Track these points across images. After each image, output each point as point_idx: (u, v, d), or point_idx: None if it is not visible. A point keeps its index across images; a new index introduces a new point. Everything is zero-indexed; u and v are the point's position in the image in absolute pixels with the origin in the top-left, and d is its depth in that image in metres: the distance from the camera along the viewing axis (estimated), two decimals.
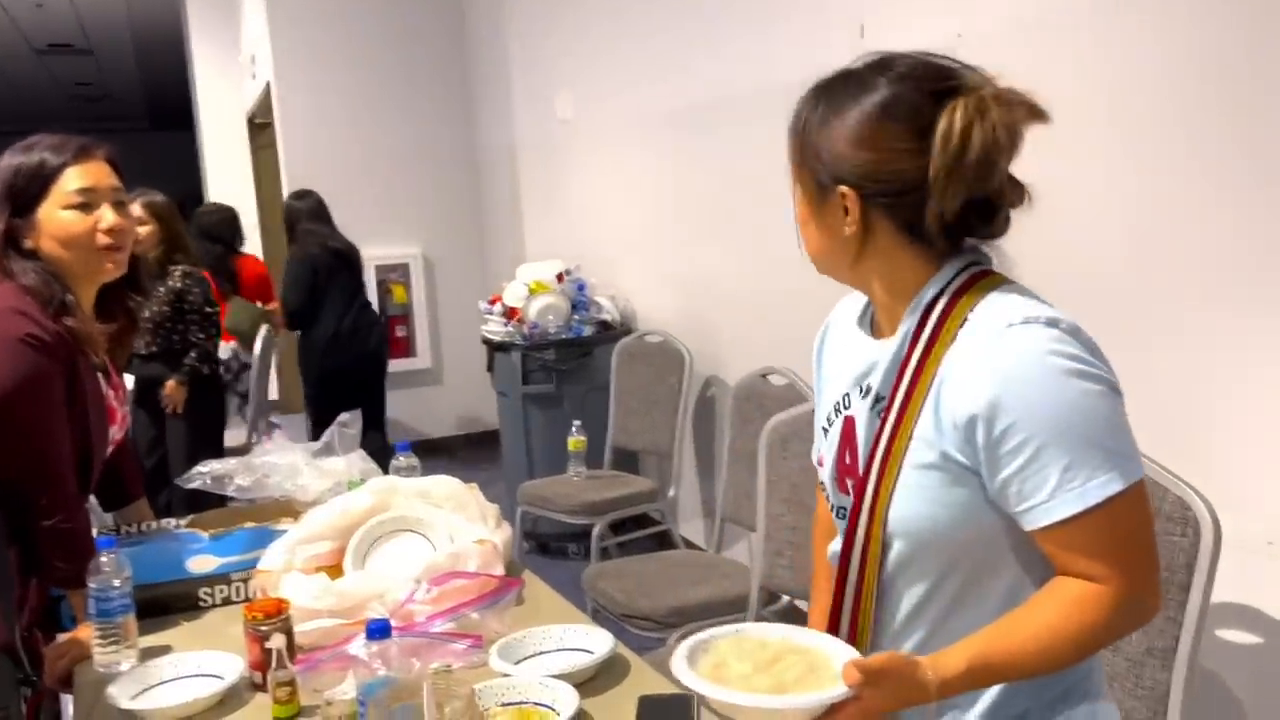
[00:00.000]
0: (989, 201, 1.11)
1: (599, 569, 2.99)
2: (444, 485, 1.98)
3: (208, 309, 4.09)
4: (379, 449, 3.43)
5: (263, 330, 4.89)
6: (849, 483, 1.21)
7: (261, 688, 1.53)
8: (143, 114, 13.46)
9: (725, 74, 3.57)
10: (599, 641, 1.59)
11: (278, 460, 2.06)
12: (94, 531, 1.85)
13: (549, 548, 4.32)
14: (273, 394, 6.34)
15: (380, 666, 1.34)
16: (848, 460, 1.22)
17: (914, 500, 1.12)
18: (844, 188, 1.11)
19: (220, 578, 1.87)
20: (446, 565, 1.75)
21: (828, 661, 1.09)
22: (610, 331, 4.40)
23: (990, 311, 1.08)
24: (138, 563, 1.68)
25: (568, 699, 1.41)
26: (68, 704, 1.79)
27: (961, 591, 1.14)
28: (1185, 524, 1.63)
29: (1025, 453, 1.03)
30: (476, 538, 1.85)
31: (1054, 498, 1.03)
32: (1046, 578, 1.10)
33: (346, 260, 4.89)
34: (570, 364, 4.31)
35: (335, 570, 1.83)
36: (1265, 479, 1.88)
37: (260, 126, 7.17)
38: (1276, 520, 1.87)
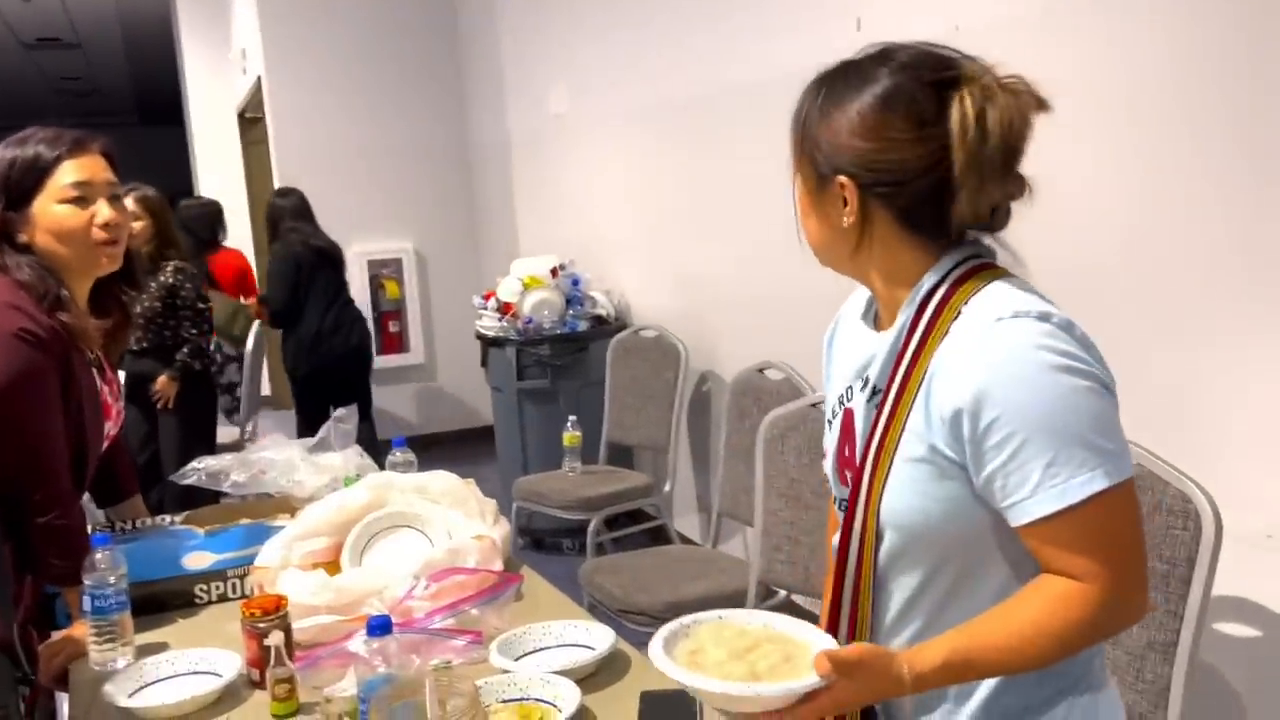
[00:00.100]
0: None
1: (595, 564, 2.99)
2: (441, 481, 1.97)
3: (200, 304, 4.07)
4: (367, 444, 3.44)
5: (255, 327, 4.87)
6: (848, 475, 1.21)
7: (260, 685, 1.52)
8: (131, 109, 13.39)
9: (720, 67, 3.56)
10: (600, 637, 1.59)
11: (274, 456, 2.05)
12: (88, 528, 1.84)
13: (543, 543, 4.31)
14: (264, 389, 6.32)
15: (380, 663, 1.33)
16: (847, 453, 1.22)
17: (905, 493, 1.11)
18: (843, 178, 1.11)
19: (216, 574, 1.86)
20: (445, 561, 1.74)
21: (805, 651, 1.09)
22: (605, 326, 4.39)
23: (983, 305, 1.08)
24: (133, 559, 1.66)
25: (569, 695, 1.40)
26: (62, 702, 1.78)
27: (955, 584, 1.14)
28: (1186, 517, 1.63)
29: (1009, 447, 1.03)
30: (475, 533, 1.85)
31: (1036, 494, 1.02)
32: (1039, 572, 1.10)
33: (329, 258, 4.92)
34: (565, 359, 4.30)
35: (333, 567, 1.82)
36: (1264, 472, 1.88)
37: (251, 121, 7.14)
38: (1275, 513, 1.87)
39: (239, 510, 2.02)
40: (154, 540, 1.89)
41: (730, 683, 1.04)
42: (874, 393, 1.17)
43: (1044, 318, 1.04)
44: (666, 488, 3.77)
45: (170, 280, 3.96)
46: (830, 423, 1.28)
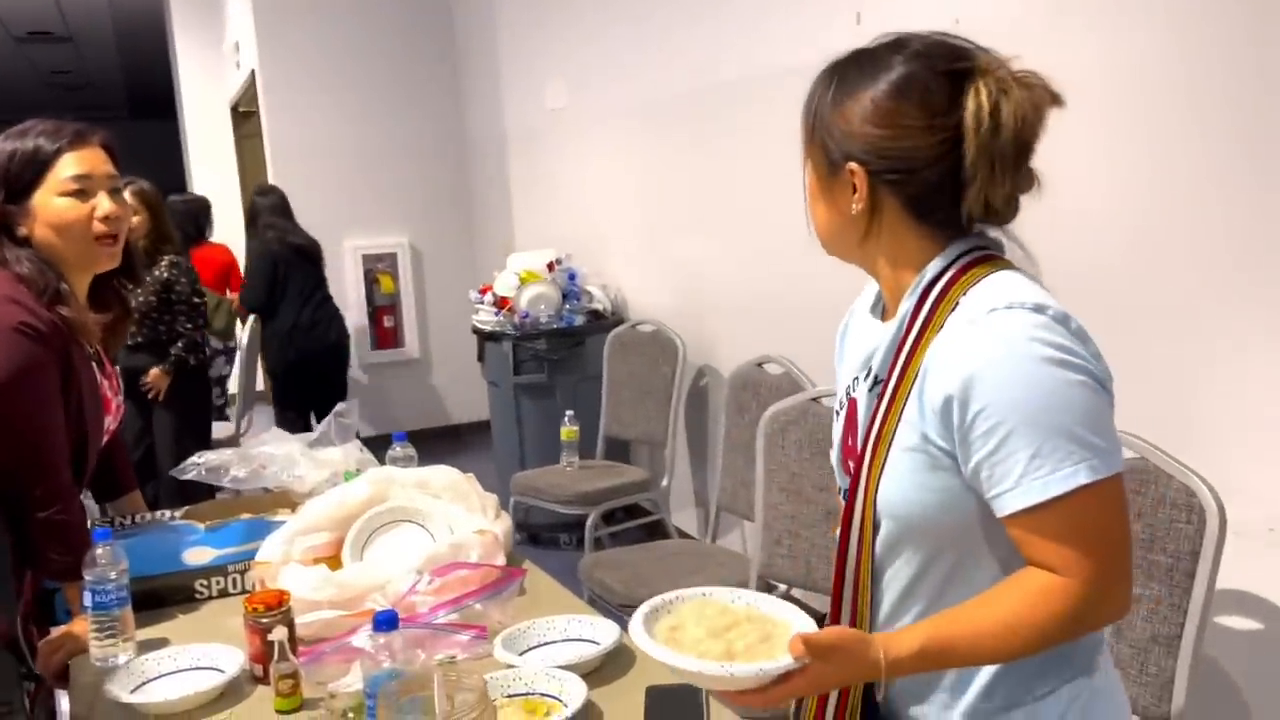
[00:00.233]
0: None
1: (595, 559, 2.98)
2: (443, 475, 1.96)
3: (195, 299, 4.06)
4: None
5: (251, 322, 4.86)
6: (850, 464, 1.21)
7: (262, 680, 1.52)
8: (123, 103, 13.32)
9: (718, 61, 3.55)
10: (604, 632, 1.58)
11: (274, 451, 2.04)
12: (88, 523, 1.83)
13: (540, 538, 4.30)
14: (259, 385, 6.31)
15: (386, 658, 1.33)
16: (850, 442, 1.23)
17: (900, 483, 1.12)
18: (853, 165, 1.11)
19: (217, 569, 1.85)
20: (448, 556, 1.73)
21: (785, 632, 1.09)
22: (602, 321, 4.38)
23: (979, 295, 1.08)
24: (133, 555, 1.65)
25: (575, 690, 1.39)
26: (62, 698, 1.77)
27: (951, 573, 1.14)
28: (1190, 511, 1.64)
29: (995, 438, 1.03)
30: (476, 528, 1.84)
31: (1019, 485, 1.02)
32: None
33: (306, 254, 4.96)
34: (562, 354, 4.29)
35: (334, 562, 1.81)
36: (1266, 466, 1.89)
37: (244, 115, 7.11)
38: (1277, 507, 1.87)
39: (239, 505, 2.01)
40: (154, 535, 1.88)
41: (704, 661, 1.05)
42: (875, 382, 1.17)
43: (1039, 309, 1.04)
44: (664, 482, 3.76)
45: (165, 275, 3.94)
46: (837, 414, 1.29)
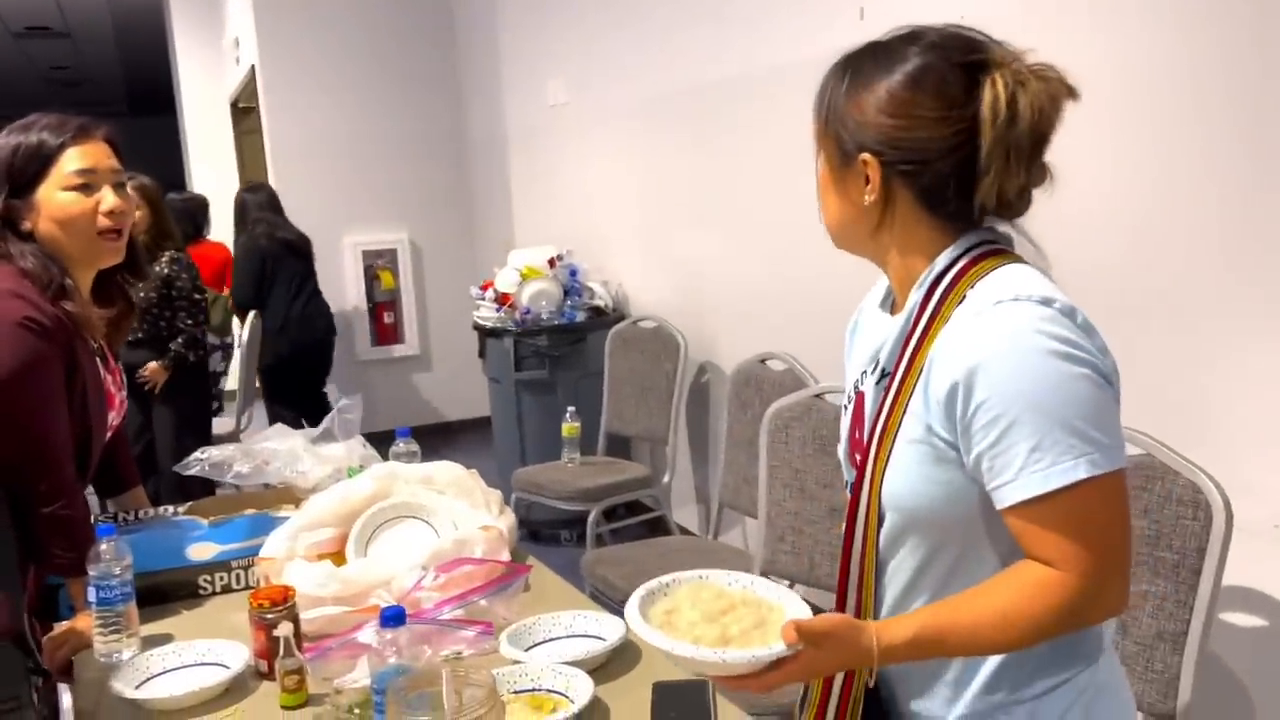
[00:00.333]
0: None
1: (597, 555, 2.98)
2: (447, 471, 1.96)
3: (195, 295, 4.05)
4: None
5: (250, 317, 4.86)
6: (857, 457, 1.21)
7: (267, 676, 1.51)
8: (121, 98, 13.28)
9: (721, 57, 3.54)
10: (610, 628, 1.58)
11: (277, 446, 2.03)
12: (92, 519, 1.82)
13: (540, 535, 4.30)
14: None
15: (392, 654, 1.32)
16: (857, 435, 1.23)
17: (905, 475, 1.11)
18: (866, 155, 1.11)
19: (220, 565, 1.85)
20: (453, 552, 1.73)
21: (780, 617, 1.09)
22: (603, 317, 4.37)
23: (986, 288, 1.08)
24: (136, 550, 1.65)
25: (582, 686, 1.39)
26: (64, 693, 1.77)
27: (955, 565, 1.14)
28: (1196, 507, 1.63)
29: (996, 430, 1.02)
30: (480, 524, 1.84)
31: (1019, 477, 1.02)
32: None
33: (295, 249, 5.00)
34: (563, 350, 4.28)
35: (338, 557, 1.81)
36: (1273, 464, 1.88)
37: (244, 111, 7.10)
38: None
39: (243, 501, 2.01)
40: (157, 531, 1.88)
41: (697, 647, 1.05)
42: (883, 375, 1.17)
43: (1045, 302, 1.04)
44: (665, 479, 3.76)
45: (166, 271, 3.94)
46: (845, 408, 1.29)
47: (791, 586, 2.64)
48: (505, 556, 1.80)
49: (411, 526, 1.86)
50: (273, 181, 5.97)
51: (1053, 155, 1.11)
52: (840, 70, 1.15)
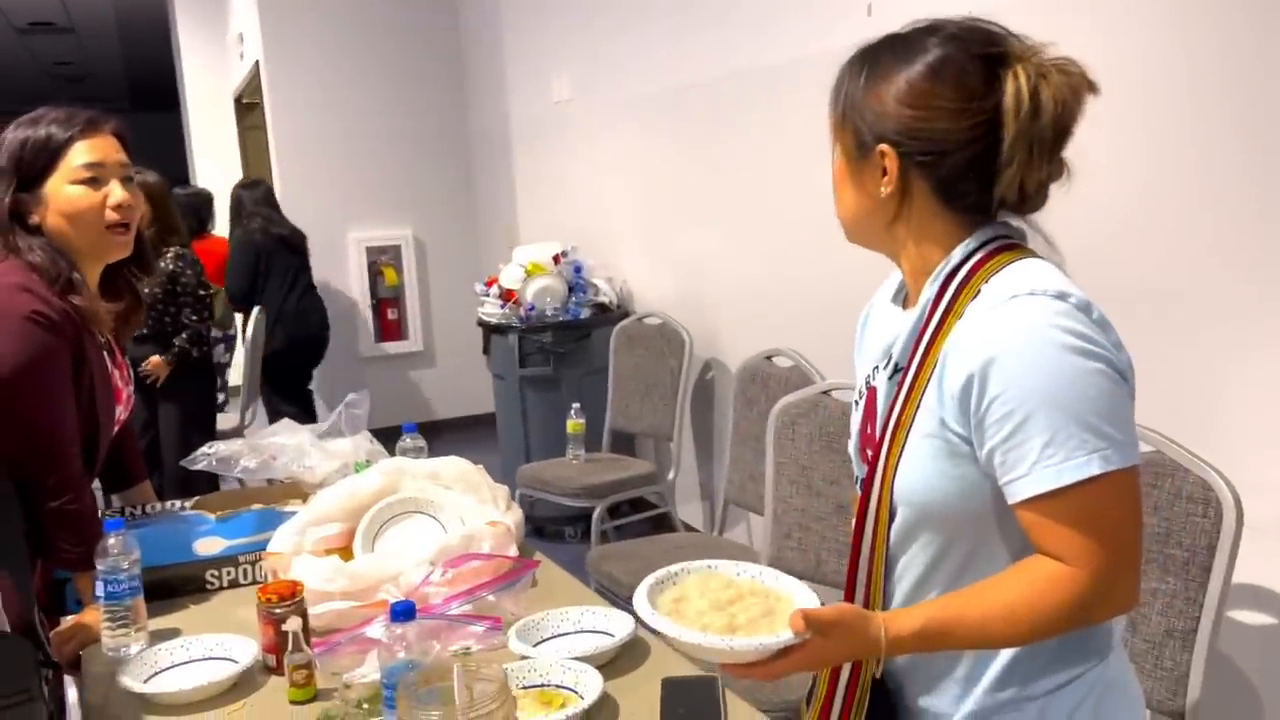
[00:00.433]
0: None
1: (603, 551, 2.98)
2: (454, 466, 1.95)
3: (200, 291, 4.05)
4: None
5: (255, 313, 4.86)
6: (868, 452, 1.21)
7: (276, 670, 1.51)
8: (124, 94, 13.28)
9: (727, 53, 3.54)
10: (618, 624, 1.58)
11: (284, 441, 2.03)
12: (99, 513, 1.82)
13: (544, 531, 4.30)
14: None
15: (401, 649, 1.32)
16: (869, 430, 1.22)
17: (918, 469, 1.11)
18: (884, 146, 1.11)
19: (228, 560, 1.85)
20: (460, 547, 1.73)
21: (788, 606, 1.09)
22: (608, 314, 4.37)
23: (1001, 283, 1.08)
24: (144, 545, 1.65)
25: (591, 682, 1.39)
26: (70, 688, 1.77)
27: (966, 562, 1.13)
28: (1206, 505, 1.63)
29: (1010, 424, 1.02)
30: (488, 519, 1.83)
31: (1031, 472, 1.02)
32: None
33: (289, 245, 5.06)
34: (567, 346, 4.28)
35: (345, 553, 1.80)
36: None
37: (248, 107, 7.09)
38: None
39: (250, 496, 2.00)
40: (165, 525, 1.88)
41: (705, 634, 1.05)
42: (895, 370, 1.17)
43: (1061, 296, 1.04)
44: (670, 475, 3.76)
45: (171, 267, 3.94)
46: (856, 403, 1.28)
47: None
48: (513, 552, 1.79)
49: (419, 522, 1.86)
50: (276, 177, 5.98)
51: (1066, 153, 1.10)
52: (859, 62, 1.15)
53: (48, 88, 12.36)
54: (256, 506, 1.92)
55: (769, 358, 2.95)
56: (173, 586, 1.80)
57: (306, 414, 5.03)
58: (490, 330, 4.52)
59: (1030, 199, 1.11)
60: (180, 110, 8.28)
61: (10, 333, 1.61)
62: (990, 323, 1.05)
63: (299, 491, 2.00)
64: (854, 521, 1.21)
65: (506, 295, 4.44)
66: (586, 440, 3.78)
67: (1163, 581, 1.67)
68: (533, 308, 4.31)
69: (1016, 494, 1.04)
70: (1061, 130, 1.07)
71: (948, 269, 1.12)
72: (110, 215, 1.72)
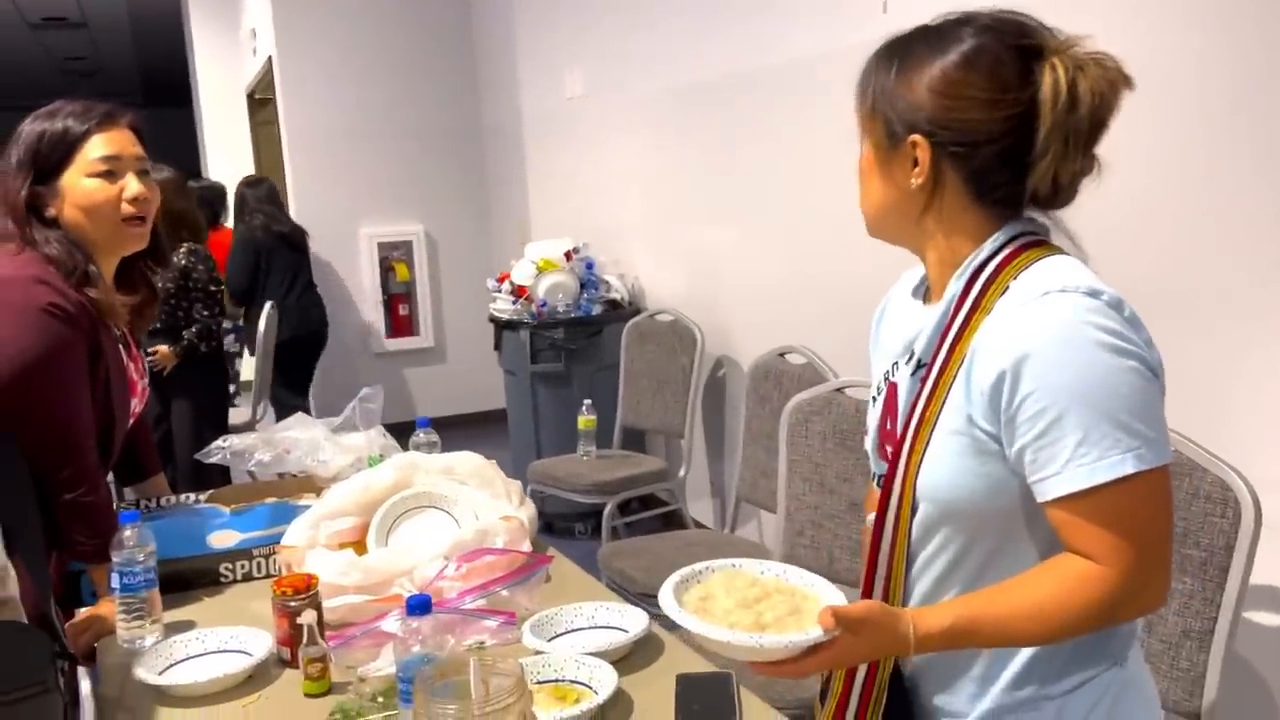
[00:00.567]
0: None
1: (614, 548, 2.98)
2: (468, 461, 1.95)
3: (211, 286, 4.06)
4: None
5: (267, 308, 4.87)
6: (888, 449, 1.20)
7: (290, 664, 1.51)
8: (137, 89, 13.32)
9: (740, 50, 3.53)
10: (632, 620, 1.57)
11: (298, 435, 2.03)
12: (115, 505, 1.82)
13: (555, 527, 4.30)
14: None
15: (416, 643, 1.32)
16: (889, 426, 1.22)
17: (942, 466, 1.10)
18: (916, 136, 1.10)
19: (242, 553, 1.85)
20: (475, 542, 1.73)
21: (815, 604, 1.09)
22: (620, 310, 4.37)
23: (1031, 279, 1.07)
24: (158, 537, 1.65)
25: (606, 677, 1.39)
26: (83, 679, 1.77)
27: (988, 560, 1.13)
28: (1225, 504, 1.62)
29: (1042, 422, 1.02)
30: (501, 514, 1.83)
31: (1064, 471, 1.01)
32: None
33: (290, 242, 5.14)
34: (579, 343, 4.28)
35: (359, 547, 1.81)
36: None
37: (261, 102, 7.11)
38: None
39: (264, 489, 2.01)
40: (179, 518, 1.89)
41: (735, 632, 1.05)
42: (919, 366, 1.16)
43: (1093, 294, 1.03)
44: (681, 472, 3.75)
45: (184, 262, 3.95)
46: (874, 399, 1.27)
47: None
48: (526, 547, 1.79)
49: (432, 516, 1.86)
50: (289, 173, 6.00)
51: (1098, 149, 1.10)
52: (888, 52, 1.14)
53: (60, 83, 12.41)
54: (270, 500, 1.93)
55: (781, 355, 2.94)
56: (187, 579, 1.80)
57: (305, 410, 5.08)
58: (502, 326, 4.52)
59: (1062, 192, 1.10)
60: (193, 105, 8.29)
61: (27, 325, 1.61)
62: (1022, 319, 1.04)
63: (313, 485, 2.00)
64: (872, 518, 1.20)
65: (518, 291, 4.44)
66: (597, 437, 3.78)
67: (1180, 581, 1.66)
68: (544, 304, 4.31)
69: (1048, 492, 1.03)
70: (1097, 123, 1.06)
71: (975, 264, 1.11)
72: (126, 208, 1.72)
